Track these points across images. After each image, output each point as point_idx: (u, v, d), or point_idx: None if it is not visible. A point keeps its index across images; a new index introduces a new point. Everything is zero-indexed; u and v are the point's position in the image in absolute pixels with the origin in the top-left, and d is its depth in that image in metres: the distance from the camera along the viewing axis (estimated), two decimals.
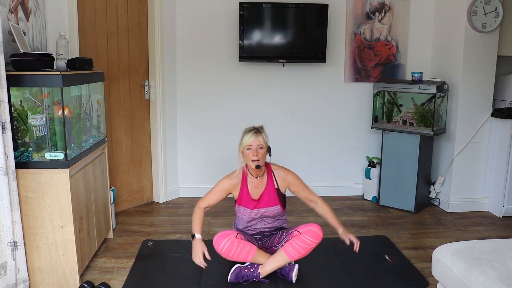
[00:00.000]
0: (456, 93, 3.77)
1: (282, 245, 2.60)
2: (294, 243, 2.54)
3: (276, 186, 2.66)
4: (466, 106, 3.74)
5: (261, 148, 2.56)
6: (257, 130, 2.58)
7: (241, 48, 3.86)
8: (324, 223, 2.71)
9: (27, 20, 2.62)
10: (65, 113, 2.41)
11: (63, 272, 2.46)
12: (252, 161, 2.54)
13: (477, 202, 3.90)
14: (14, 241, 2.26)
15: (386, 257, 2.95)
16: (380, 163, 4.02)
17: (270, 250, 2.69)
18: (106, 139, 3.10)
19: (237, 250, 2.51)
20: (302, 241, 2.53)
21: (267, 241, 2.72)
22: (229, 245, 2.50)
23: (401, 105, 3.99)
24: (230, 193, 2.71)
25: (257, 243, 2.70)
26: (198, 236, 2.55)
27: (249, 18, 3.83)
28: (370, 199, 4.16)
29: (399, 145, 3.85)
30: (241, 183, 2.65)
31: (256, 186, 2.65)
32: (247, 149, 2.55)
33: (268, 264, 2.57)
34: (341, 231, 2.60)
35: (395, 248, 3.10)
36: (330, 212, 2.67)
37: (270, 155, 2.64)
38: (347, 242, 2.57)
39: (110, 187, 3.27)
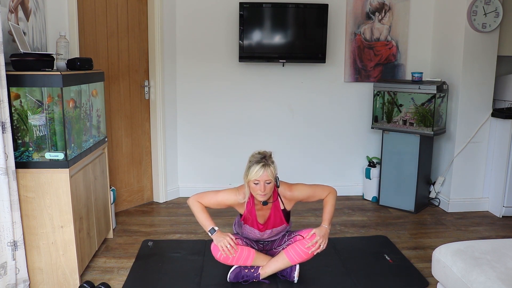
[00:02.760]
0: (456, 93, 3.77)
1: (283, 248, 2.58)
2: (297, 247, 2.51)
3: (282, 207, 2.56)
4: (466, 106, 3.74)
5: (269, 183, 2.38)
6: (266, 163, 2.37)
7: (241, 48, 3.86)
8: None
9: (27, 20, 2.62)
10: (70, 105, 2.41)
11: (63, 272, 2.46)
12: (259, 194, 2.40)
13: (477, 202, 3.90)
14: (14, 241, 2.26)
15: (386, 257, 2.95)
16: (380, 163, 4.02)
17: (270, 252, 2.68)
18: (106, 139, 3.10)
19: (235, 255, 2.50)
20: (305, 246, 2.50)
21: (268, 244, 2.71)
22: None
23: (401, 105, 3.99)
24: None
25: (258, 246, 2.68)
26: (217, 228, 2.50)
27: (249, 18, 3.83)
28: (370, 199, 4.16)
29: (399, 145, 3.85)
30: (246, 205, 2.52)
31: (262, 208, 2.53)
32: (254, 183, 2.38)
33: (269, 266, 2.56)
34: (320, 227, 2.54)
35: (395, 248, 3.10)
36: (328, 206, 2.56)
37: (278, 187, 2.49)
38: (310, 233, 2.50)
39: (110, 187, 3.27)
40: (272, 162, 2.41)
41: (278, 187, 2.50)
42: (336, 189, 2.66)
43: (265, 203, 2.47)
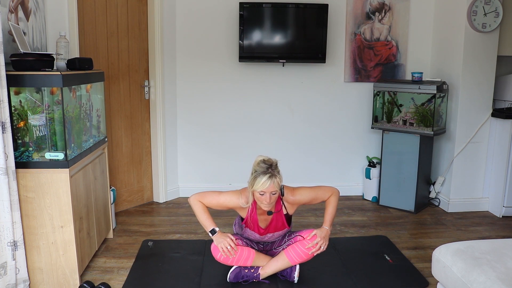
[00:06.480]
0: (456, 93, 3.77)
1: (284, 248, 2.58)
2: (297, 248, 2.51)
3: (285, 212, 2.54)
4: (466, 106, 3.74)
5: (274, 193, 2.35)
6: (272, 173, 2.32)
7: (241, 48, 3.86)
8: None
9: (27, 20, 2.62)
10: (74, 96, 2.41)
11: (63, 272, 2.46)
12: (264, 204, 2.38)
13: (477, 202, 3.90)
14: (14, 241, 2.26)
15: (386, 257, 2.95)
16: (380, 163, 4.02)
17: (270, 252, 2.68)
18: (106, 139, 3.10)
19: (235, 256, 2.49)
20: (305, 247, 2.50)
21: (268, 244, 2.71)
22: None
23: (401, 105, 3.99)
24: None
25: (258, 246, 2.68)
26: (217, 229, 2.49)
27: (249, 18, 3.83)
28: (370, 199, 4.16)
29: (399, 145, 3.85)
30: (249, 210, 2.51)
31: (264, 213, 2.51)
32: (260, 194, 2.34)
33: (269, 267, 2.56)
34: (321, 228, 2.53)
35: (395, 248, 3.10)
36: (330, 208, 2.56)
37: (283, 195, 2.48)
38: (311, 234, 2.49)
39: (110, 187, 3.27)
40: (278, 172, 2.37)
41: (283, 195, 2.49)
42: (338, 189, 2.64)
43: (269, 213, 2.47)
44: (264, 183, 2.30)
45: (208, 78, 4.05)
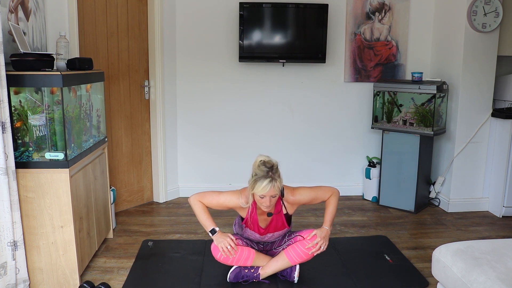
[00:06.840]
0: (456, 93, 3.77)
1: (284, 248, 2.58)
2: (297, 248, 2.51)
3: (285, 212, 2.54)
4: (466, 106, 3.74)
5: (274, 196, 2.35)
6: (272, 177, 2.30)
7: (241, 48, 3.86)
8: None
9: (27, 20, 2.62)
10: (74, 96, 2.42)
11: (63, 272, 2.46)
12: (264, 206, 2.38)
13: (477, 202, 3.90)
14: (14, 241, 2.26)
15: (386, 257, 2.95)
16: (380, 163, 4.02)
17: (270, 252, 2.68)
18: (106, 139, 3.10)
19: (235, 256, 2.49)
20: (305, 247, 2.50)
21: (268, 244, 2.71)
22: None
23: (401, 105, 3.99)
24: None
25: (258, 246, 2.68)
26: (217, 229, 2.49)
27: (249, 18, 3.83)
28: (370, 199, 4.16)
29: (399, 145, 3.85)
30: (249, 210, 2.50)
31: (264, 213, 2.51)
32: (260, 197, 2.33)
33: (269, 267, 2.56)
34: (321, 228, 2.54)
35: (395, 248, 3.10)
36: (330, 208, 2.56)
37: (283, 196, 2.48)
38: (311, 234, 2.50)
39: (110, 187, 3.27)
40: (279, 175, 2.36)
41: (283, 196, 2.49)
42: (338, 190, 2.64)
43: (269, 214, 2.48)
44: (264, 188, 2.29)
45: (208, 78, 4.05)
